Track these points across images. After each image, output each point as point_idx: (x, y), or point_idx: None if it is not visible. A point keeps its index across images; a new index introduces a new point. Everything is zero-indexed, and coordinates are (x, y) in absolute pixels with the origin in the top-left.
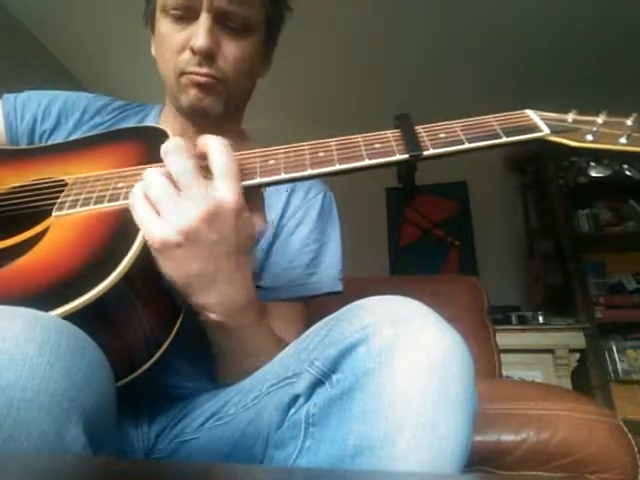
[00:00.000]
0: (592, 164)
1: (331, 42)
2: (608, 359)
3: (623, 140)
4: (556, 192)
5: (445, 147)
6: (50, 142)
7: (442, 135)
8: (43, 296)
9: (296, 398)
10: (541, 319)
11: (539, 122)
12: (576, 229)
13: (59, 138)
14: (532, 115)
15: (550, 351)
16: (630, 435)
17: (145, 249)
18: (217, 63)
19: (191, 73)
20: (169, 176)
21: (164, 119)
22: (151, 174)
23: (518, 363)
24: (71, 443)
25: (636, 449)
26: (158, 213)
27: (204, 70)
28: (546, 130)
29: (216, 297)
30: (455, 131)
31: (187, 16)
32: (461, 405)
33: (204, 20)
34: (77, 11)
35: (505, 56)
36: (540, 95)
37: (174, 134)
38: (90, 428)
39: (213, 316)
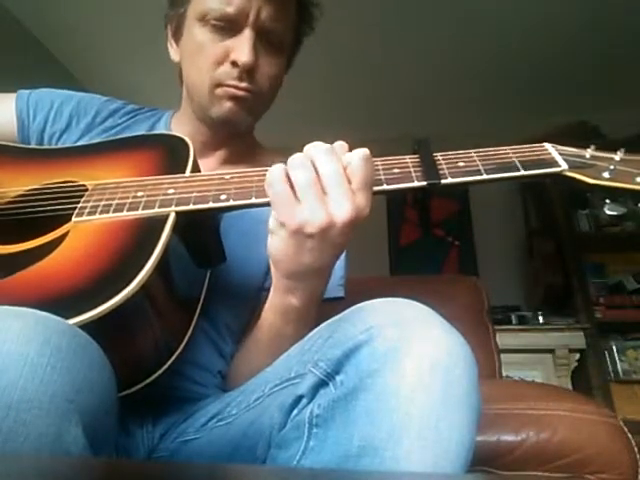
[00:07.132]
0: (607, 201)
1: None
2: (608, 359)
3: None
4: (556, 192)
5: (463, 177)
6: (60, 143)
7: (461, 164)
8: (60, 304)
9: (299, 399)
10: (541, 319)
11: (557, 157)
12: (576, 229)
13: (69, 140)
14: (550, 149)
15: (550, 351)
16: (630, 435)
17: (163, 259)
18: (255, 78)
19: (229, 86)
20: (317, 174)
21: (175, 125)
22: (301, 166)
23: (518, 363)
24: (71, 444)
25: (636, 449)
26: (298, 199)
27: (243, 84)
28: (564, 166)
29: (306, 288)
30: (474, 160)
31: (228, 28)
32: (465, 406)
33: (249, 35)
34: (77, 10)
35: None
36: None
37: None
38: (90, 429)
39: (294, 301)
